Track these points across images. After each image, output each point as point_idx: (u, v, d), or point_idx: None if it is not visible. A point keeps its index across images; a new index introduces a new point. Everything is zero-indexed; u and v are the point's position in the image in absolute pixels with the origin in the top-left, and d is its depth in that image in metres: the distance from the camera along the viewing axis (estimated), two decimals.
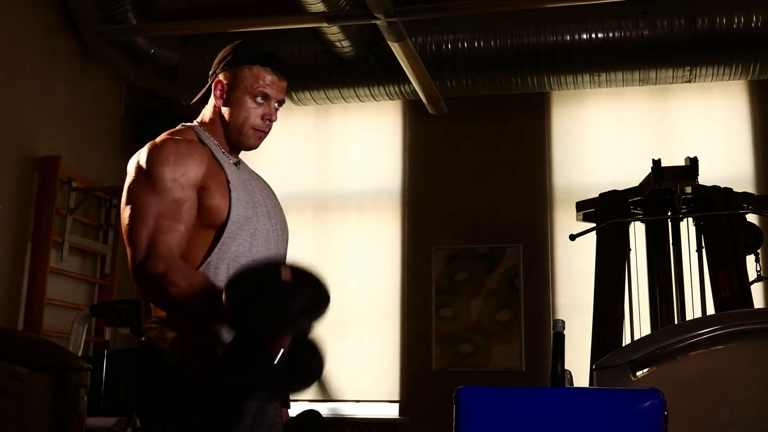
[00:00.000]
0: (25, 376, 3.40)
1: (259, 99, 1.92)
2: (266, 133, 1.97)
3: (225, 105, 1.94)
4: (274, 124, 1.99)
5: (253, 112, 1.93)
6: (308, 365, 1.59)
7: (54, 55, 5.21)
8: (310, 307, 1.53)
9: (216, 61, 2.00)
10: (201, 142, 1.91)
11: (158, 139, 1.88)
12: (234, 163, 1.95)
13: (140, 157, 1.85)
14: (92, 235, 5.51)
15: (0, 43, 4.73)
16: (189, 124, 1.99)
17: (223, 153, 1.93)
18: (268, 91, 1.93)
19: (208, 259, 1.81)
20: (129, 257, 1.78)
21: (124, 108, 5.95)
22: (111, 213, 5.62)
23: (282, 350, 1.49)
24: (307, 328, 1.53)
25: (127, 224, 1.79)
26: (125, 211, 1.81)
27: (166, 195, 1.78)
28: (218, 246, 1.81)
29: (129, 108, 5.98)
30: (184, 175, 1.80)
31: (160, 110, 5.87)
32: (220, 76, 1.95)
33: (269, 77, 1.93)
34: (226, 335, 1.64)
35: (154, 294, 1.75)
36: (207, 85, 2.01)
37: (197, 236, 1.81)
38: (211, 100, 1.97)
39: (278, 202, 2.04)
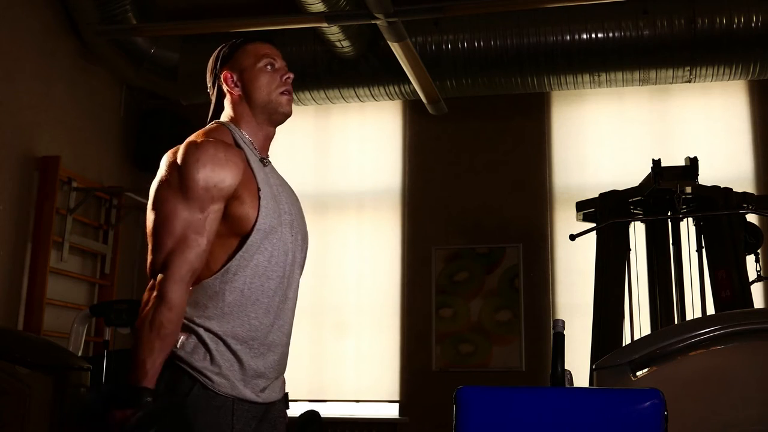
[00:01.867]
0: (25, 376, 3.40)
1: (269, 67, 1.98)
2: (291, 93, 2.01)
3: (243, 90, 1.97)
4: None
5: (271, 77, 1.97)
6: None
7: (54, 55, 5.21)
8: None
9: (210, 68, 2.02)
10: (236, 143, 1.91)
11: (197, 140, 1.86)
12: (263, 163, 1.95)
13: (178, 155, 1.83)
14: (92, 235, 5.51)
15: (0, 43, 4.73)
16: (222, 121, 1.98)
17: (256, 153, 1.94)
18: (272, 55, 1.99)
19: (228, 265, 1.81)
20: (149, 255, 1.79)
21: (124, 108, 5.94)
22: (111, 213, 5.62)
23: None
24: None
25: (153, 227, 1.79)
26: (153, 212, 1.81)
27: (196, 205, 1.77)
28: (240, 253, 1.81)
29: (129, 108, 5.98)
30: (217, 185, 1.79)
31: (160, 110, 5.87)
32: (224, 72, 1.98)
33: (265, 46, 2.01)
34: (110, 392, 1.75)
35: (147, 301, 1.75)
36: (214, 92, 2.02)
37: (220, 243, 1.81)
38: (227, 99, 1.99)
39: (300, 208, 2.06)
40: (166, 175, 1.82)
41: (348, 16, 4.72)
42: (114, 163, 5.73)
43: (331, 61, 5.29)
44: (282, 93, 1.97)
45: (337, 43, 5.05)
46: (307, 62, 5.32)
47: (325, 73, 5.37)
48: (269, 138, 2.01)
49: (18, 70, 4.87)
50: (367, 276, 5.80)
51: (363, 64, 5.30)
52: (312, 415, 2.13)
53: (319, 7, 4.55)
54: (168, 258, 1.75)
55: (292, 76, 2.01)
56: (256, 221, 1.83)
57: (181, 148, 1.84)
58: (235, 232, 1.83)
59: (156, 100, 5.90)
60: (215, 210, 1.79)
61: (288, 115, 2.00)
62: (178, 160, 1.81)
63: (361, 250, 5.86)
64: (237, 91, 1.97)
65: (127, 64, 5.44)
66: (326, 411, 5.54)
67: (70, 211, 5.14)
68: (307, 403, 5.45)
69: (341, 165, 6.03)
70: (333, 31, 4.89)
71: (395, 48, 4.78)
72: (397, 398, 5.58)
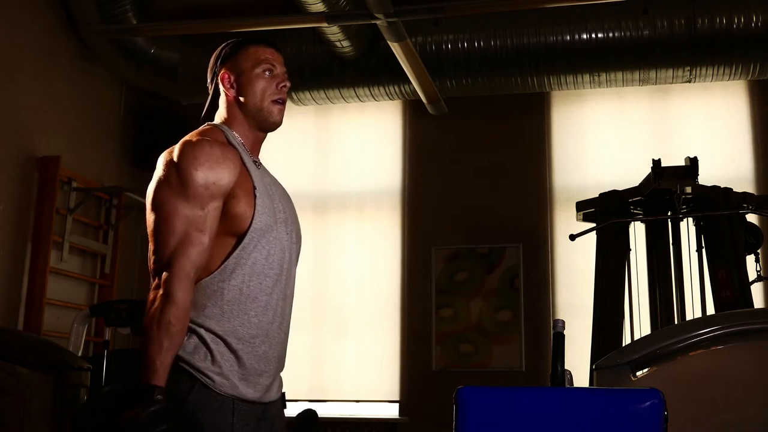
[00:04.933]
0: (25, 376, 3.40)
1: (266, 73, 1.97)
2: (284, 103, 2.00)
3: (238, 92, 1.96)
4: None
5: (266, 84, 1.96)
6: None
7: (54, 55, 5.21)
8: None
9: (211, 64, 2.03)
10: (229, 143, 1.91)
11: (193, 139, 1.87)
12: (255, 165, 1.95)
13: (174, 155, 1.83)
14: (92, 235, 5.51)
15: (0, 43, 4.73)
16: (215, 123, 1.99)
17: (248, 155, 1.94)
18: (272, 61, 1.98)
19: (226, 263, 1.81)
20: (150, 255, 1.79)
21: (124, 108, 5.94)
22: (111, 213, 5.62)
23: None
24: None
25: (154, 227, 1.79)
26: (154, 212, 1.80)
27: (196, 202, 1.78)
28: (237, 251, 1.82)
29: (129, 108, 5.98)
30: (216, 183, 1.80)
31: (160, 110, 5.87)
32: (223, 71, 1.98)
33: (267, 50, 2.00)
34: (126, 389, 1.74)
35: (153, 300, 1.75)
36: (212, 90, 2.02)
37: (218, 243, 1.81)
38: (222, 98, 1.99)
39: (293, 206, 2.05)
40: (164, 175, 1.82)
41: (348, 16, 4.72)
42: (114, 163, 5.73)
43: (331, 61, 5.29)
44: (274, 102, 1.97)
45: (337, 43, 5.05)
46: (307, 62, 5.32)
47: (325, 73, 5.37)
48: (259, 141, 2.01)
49: (18, 70, 4.87)
50: (367, 276, 5.80)
51: (363, 64, 5.30)
52: (309, 414, 2.14)
53: (319, 7, 4.55)
54: (171, 256, 1.75)
55: (288, 84, 2.00)
56: (252, 219, 1.83)
57: (177, 147, 1.85)
58: (232, 231, 1.83)
59: (156, 100, 5.90)
60: (215, 207, 1.80)
61: (278, 124, 1.99)
62: (175, 159, 1.82)
63: (361, 250, 5.86)
64: (232, 93, 1.97)
65: (127, 64, 5.45)
66: (326, 411, 5.54)
67: (70, 211, 5.14)
68: (307, 403, 5.45)
69: (341, 165, 6.03)
70: (333, 31, 4.89)
71: (395, 48, 4.78)
72: (397, 398, 5.58)
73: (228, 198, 1.82)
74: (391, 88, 5.43)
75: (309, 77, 5.38)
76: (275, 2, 5.14)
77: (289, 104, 5.68)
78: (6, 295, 4.70)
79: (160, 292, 1.73)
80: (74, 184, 5.20)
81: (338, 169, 6.03)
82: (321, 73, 5.36)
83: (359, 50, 5.18)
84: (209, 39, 5.20)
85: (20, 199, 4.83)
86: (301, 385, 5.55)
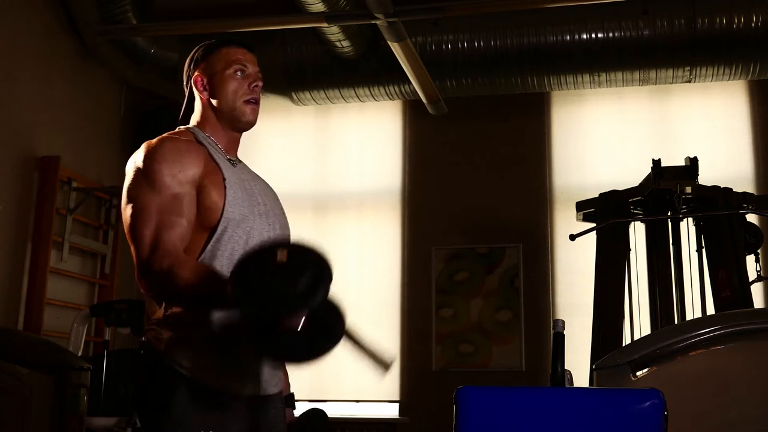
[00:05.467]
0: (25, 376, 3.40)
1: (238, 74, 1.96)
2: (257, 103, 1.99)
3: (211, 94, 1.97)
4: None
5: (238, 85, 1.96)
6: (329, 326, 1.62)
7: (54, 55, 5.21)
8: (315, 283, 1.53)
9: (186, 68, 2.03)
10: (198, 142, 1.92)
11: (154, 140, 1.88)
12: (231, 163, 1.95)
13: (137, 157, 1.85)
14: (92, 235, 5.51)
15: (0, 43, 4.73)
16: (186, 126, 2.00)
17: (221, 152, 1.94)
18: (243, 61, 1.98)
19: (202, 255, 1.81)
20: (134, 255, 1.78)
21: (124, 108, 5.94)
22: (111, 213, 5.62)
23: (302, 321, 1.53)
24: (317, 300, 1.53)
25: (130, 223, 1.79)
26: (126, 211, 1.81)
27: (165, 191, 1.78)
28: (212, 242, 1.81)
29: (129, 108, 5.98)
30: (181, 171, 1.81)
31: (160, 110, 5.86)
32: (196, 74, 1.99)
33: (239, 50, 1.99)
34: (237, 322, 1.65)
35: (162, 289, 1.74)
36: (187, 92, 2.03)
37: (193, 238, 1.81)
38: (197, 101, 2.00)
39: (279, 201, 2.04)
40: (132, 176, 1.83)
41: (348, 16, 4.72)
42: (114, 163, 5.73)
43: (331, 61, 5.29)
44: (247, 102, 1.96)
45: (337, 43, 5.05)
46: (307, 62, 5.32)
47: (325, 73, 5.37)
48: (235, 141, 2.01)
49: (18, 70, 4.87)
50: (367, 276, 5.80)
51: (363, 64, 5.30)
52: (318, 413, 2.13)
53: (319, 7, 4.55)
54: (152, 245, 1.74)
55: (260, 84, 1.99)
56: (223, 210, 1.82)
57: (140, 149, 1.87)
58: (205, 224, 1.82)
59: (156, 100, 5.90)
60: (187, 192, 1.80)
61: (251, 124, 1.98)
62: (139, 161, 1.83)
63: (361, 250, 5.86)
64: (205, 95, 1.98)
65: (127, 64, 5.44)
66: (326, 411, 5.53)
67: (70, 211, 5.14)
68: (307, 403, 5.45)
69: (341, 165, 6.03)
70: (333, 31, 4.89)
71: (395, 48, 4.78)
72: (397, 398, 5.58)
73: (198, 190, 1.82)
74: (391, 88, 5.42)
75: (309, 77, 5.38)
76: (275, 2, 5.14)
77: (288, 104, 5.72)
78: (6, 295, 4.70)
79: (155, 276, 1.71)
80: (74, 184, 5.20)
81: (338, 169, 6.03)
82: (321, 73, 5.36)
83: (359, 50, 5.18)
84: (209, 39, 5.20)
85: (20, 199, 4.83)
86: (301, 385, 5.54)
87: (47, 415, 3.47)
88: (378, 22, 4.53)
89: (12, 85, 4.81)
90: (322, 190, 5.99)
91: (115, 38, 5.23)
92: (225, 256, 1.81)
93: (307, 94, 5.54)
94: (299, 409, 2.15)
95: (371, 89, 5.45)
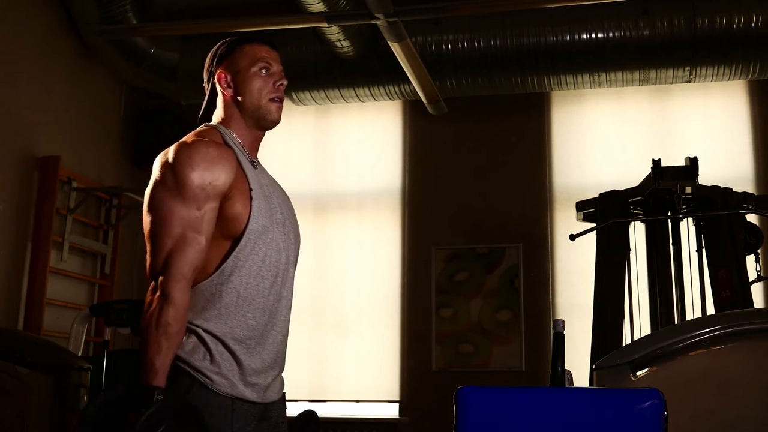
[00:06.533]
0: (25, 376, 3.40)
1: (263, 71, 1.96)
2: (282, 101, 2.00)
3: (235, 92, 1.96)
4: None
5: (263, 83, 1.96)
6: None
7: (54, 55, 5.21)
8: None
9: (207, 64, 2.02)
10: (226, 144, 1.91)
11: (189, 140, 1.87)
12: (253, 165, 1.95)
13: (169, 156, 1.83)
14: (92, 235, 5.51)
15: (0, 43, 4.73)
16: (212, 123, 1.98)
17: (246, 155, 1.94)
18: (268, 59, 1.98)
19: (223, 266, 1.81)
20: (148, 257, 1.79)
21: (124, 108, 5.94)
22: (111, 213, 5.62)
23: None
24: None
25: (150, 228, 1.79)
26: (150, 214, 1.80)
27: (192, 204, 1.77)
28: (235, 253, 1.82)
29: (129, 108, 5.98)
30: (212, 183, 1.80)
31: (160, 110, 5.87)
32: (219, 71, 1.98)
33: (263, 47, 1.99)
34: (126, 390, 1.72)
35: (150, 302, 1.75)
36: (209, 89, 2.02)
37: (214, 245, 1.81)
38: (220, 98, 1.99)
39: (292, 206, 2.05)
40: (160, 177, 1.82)
41: (348, 16, 4.72)
42: (114, 163, 5.73)
43: (331, 61, 5.29)
44: (272, 100, 1.96)
45: (337, 43, 5.05)
46: (307, 62, 5.32)
47: (325, 73, 5.37)
48: (258, 140, 2.01)
49: (18, 70, 4.87)
50: (367, 276, 5.80)
51: (363, 64, 5.30)
52: (309, 415, 2.13)
53: (319, 7, 4.55)
54: (168, 258, 1.75)
55: (285, 83, 2.00)
56: (248, 221, 1.83)
57: (173, 148, 1.85)
58: (228, 233, 1.83)
59: (156, 100, 5.90)
60: (211, 208, 1.80)
61: (276, 122, 1.99)
62: (171, 161, 1.81)
63: (361, 250, 5.86)
64: (229, 93, 1.97)
65: (127, 64, 5.44)
66: (326, 411, 5.54)
67: (70, 211, 5.14)
68: (307, 403, 5.45)
69: (341, 165, 6.03)
70: (333, 31, 4.89)
71: (395, 48, 4.78)
72: (397, 398, 5.58)
73: (224, 199, 1.82)
74: (391, 88, 5.43)
75: (309, 77, 5.38)
76: (275, 2, 5.14)
77: (288, 104, 5.71)
78: (6, 295, 4.70)
79: (158, 294, 1.73)
80: (74, 184, 5.20)
81: (338, 169, 6.03)
82: (321, 73, 5.36)
83: (359, 50, 5.18)
84: (209, 39, 5.16)
85: (20, 199, 4.84)
86: (301, 385, 5.55)
87: (47, 415, 3.47)
88: (378, 22, 4.53)
89: (12, 85, 4.81)
90: (322, 189, 5.99)
91: (115, 38, 5.23)
92: (245, 268, 1.82)
93: (307, 94, 5.54)
94: (298, 410, 2.15)
95: (371, 89, 5.45)
